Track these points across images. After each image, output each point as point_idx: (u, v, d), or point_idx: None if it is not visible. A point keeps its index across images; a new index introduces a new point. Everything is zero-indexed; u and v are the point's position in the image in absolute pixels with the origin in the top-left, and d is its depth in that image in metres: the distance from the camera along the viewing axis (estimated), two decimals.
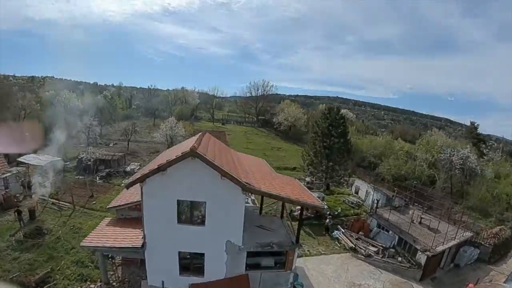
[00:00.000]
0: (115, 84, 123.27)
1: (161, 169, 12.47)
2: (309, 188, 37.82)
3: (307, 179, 35.93)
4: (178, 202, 13.24)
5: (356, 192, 36.45)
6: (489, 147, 54.75)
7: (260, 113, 79.87)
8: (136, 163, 41.39)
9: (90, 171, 36.76)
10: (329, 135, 28.75)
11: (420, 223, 26.49)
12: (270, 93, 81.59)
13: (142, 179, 12.76)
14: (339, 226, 26.82)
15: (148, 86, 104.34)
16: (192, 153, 12.19)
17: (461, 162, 38.70)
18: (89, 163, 36.87)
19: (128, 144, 49.50)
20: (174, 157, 12.47)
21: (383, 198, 31.08)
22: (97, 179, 35.29)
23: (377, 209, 28.21)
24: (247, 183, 12.74)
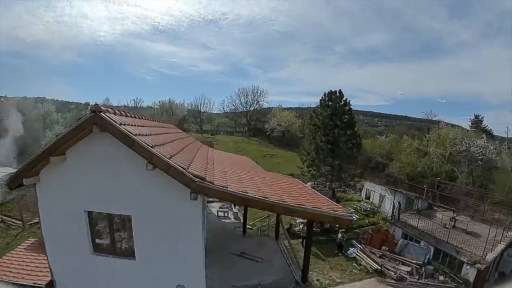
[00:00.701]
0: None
1: (50, 149, 6.62)
2: None
3: (309, 184, 29.85)
4: (90, 216, 7.32)
5: (368, 198, 30.38)
6: (496, 141, 49.84)
7: (251, 122, 74.14)
8: None
9: None
10: (333, 126, 22.79)
11: (454, 227, 20.65)
12: (261, 102, 75.75)
13: (26, 172, 6.91)
14: (354, 241, 20.60)
15: (134, 100, 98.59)
16: (95, 119, 6.28)
17: (482, 152, 33.03)
18: None
19: None
20: (70, 129, 6.62)
21: (403, 200, 25.14)
22: None
23: (400, 215, 22.19)
24: (197, 176, 6.63)
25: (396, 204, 22.64)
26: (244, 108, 72.74)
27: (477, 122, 66.43)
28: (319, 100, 24.45)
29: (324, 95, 23.89)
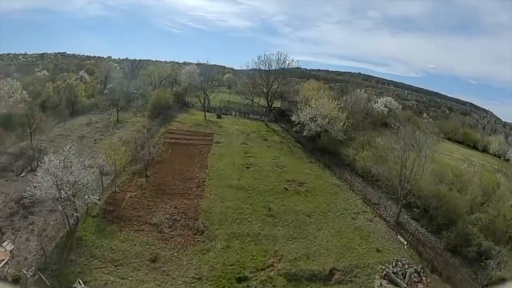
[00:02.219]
0: (129, 58, 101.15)
1: None
2: None
3: None
4: None
5: None
6: None
7: (274, 97, 53.55)
8: None
9: None
10: None
11: None
12: (289, 66, 54.61)
13: None
14: None
15: (133, 59, 79.53)
16: None
17: None
18: None
19: None
20: None
21: None
22: None
23: None
24: None
25: None
26: (265, 84, 51.81)
27: None
28: None
29: None
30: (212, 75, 59.90)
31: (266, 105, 52.91)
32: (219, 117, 50.76)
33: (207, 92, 52.40)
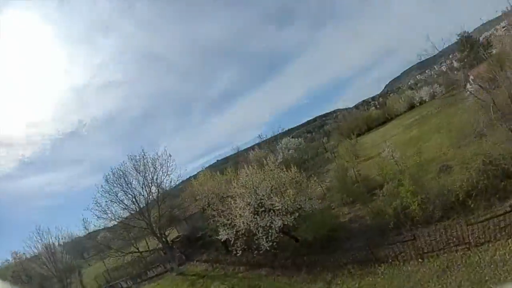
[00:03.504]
0: None
1: None
2: None
3: None
4: None
5: None
6: None
7: (164, 225, 33.03)
8: None
9: None
10: None
11: None
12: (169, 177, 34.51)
13: None
14: None
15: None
16: None
17: None
18: None
19: None
20: None
21: None
22: None
23: None
24: None
25: None
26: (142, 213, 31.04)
27: None
28: None
29: None
30: None
31: (160, 244, 31.65)
32: None
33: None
